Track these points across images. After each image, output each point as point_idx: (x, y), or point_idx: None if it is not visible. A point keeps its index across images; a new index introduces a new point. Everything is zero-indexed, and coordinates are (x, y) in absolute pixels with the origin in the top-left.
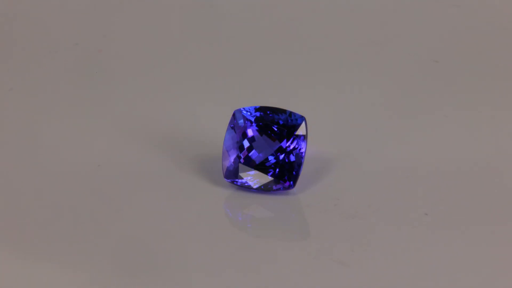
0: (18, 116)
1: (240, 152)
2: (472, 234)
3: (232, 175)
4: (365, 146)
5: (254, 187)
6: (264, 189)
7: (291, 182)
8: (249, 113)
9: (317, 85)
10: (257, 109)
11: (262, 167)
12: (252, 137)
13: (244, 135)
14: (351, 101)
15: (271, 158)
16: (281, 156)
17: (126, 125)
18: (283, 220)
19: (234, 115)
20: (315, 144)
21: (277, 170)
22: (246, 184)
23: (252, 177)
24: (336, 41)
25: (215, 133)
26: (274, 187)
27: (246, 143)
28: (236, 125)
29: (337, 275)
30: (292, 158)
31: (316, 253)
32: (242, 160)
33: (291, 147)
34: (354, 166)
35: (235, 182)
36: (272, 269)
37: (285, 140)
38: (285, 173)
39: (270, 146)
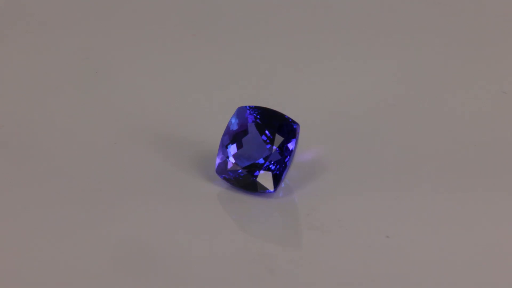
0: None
1: (235, 149)
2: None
3: (223, 171)
4: (362, 154)
5: (240, 185)
6: (248, 189)
7: (274, 189)
8: (250, 113)
9: (316, 89)
10: (259, 109)
11: (250, 167)
12: (249, 136)
13: (241, 134)
14: (351, 105)
15: (260, 160)
16: (270, 160)
17: (125, 124)
18: (248, 222)
19: (236, 112)
20: (311, 148)
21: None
22: (233, 182)
23: (240, 176)
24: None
25: (216, 130)
26: (254, 191)
27: (241, 142)
28: (235, 123)
29: (259, 282)
30: (279, 163)
31: (255, 257)
32: (233, 158)
33: (281, 152)
34: (345, 175)
35: (225, 178)
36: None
37: (277, 145)
38: (271, 178)
39: (263, 148)
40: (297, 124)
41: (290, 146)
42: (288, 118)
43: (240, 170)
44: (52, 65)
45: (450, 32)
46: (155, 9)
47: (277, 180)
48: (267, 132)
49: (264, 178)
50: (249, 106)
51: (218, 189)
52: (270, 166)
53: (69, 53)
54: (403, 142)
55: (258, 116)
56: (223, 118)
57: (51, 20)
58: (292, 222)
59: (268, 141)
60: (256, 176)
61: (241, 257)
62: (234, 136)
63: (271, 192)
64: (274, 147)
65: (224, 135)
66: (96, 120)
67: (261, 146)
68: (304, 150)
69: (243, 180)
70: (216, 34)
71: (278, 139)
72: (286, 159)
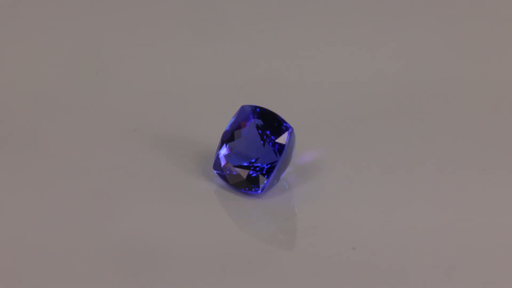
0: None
1: (232, 147)
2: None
3: (218, 166)
4: (361, 157)
5: (232, 183)
6: (238, 187)
7: (258, 189)
8: (252, 112)
9: (317, 89)
10: (260, 109)
11: (242, 166)
12: (247, 135)
13: (240, 132)
14: (349, 108)
15: (253, 160)
16: (261, 161)
17: (125, 124)
18: (224, 221)
19: (239, 110)
20: (310, 151)
21: (254, 173)
22: (225, 177)
23: (232, 173)
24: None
25: (217, 130)
26: (243, 190)
27: (239, 140)
28: (237, 121)
29: (211, 279)
30: (270, 165)
31: (214, 256)
32: (228, 155)
33: (274, 154)
34: (335, 180)
35: (219, 174)
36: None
37: (271, 148)
38: (258, 179)
39: (258, 148)
40: (291, 127)
41: (283, 148)
42: (283, 121)
43: (233, 168)
44: (52, 65)
45: (451, 28)
46: (156, 8)
47: (266, 181)
48: (265, 132)
49: (254, 178)
50: (252, 106)
51: (213, 188)
52: (261, 166)
53: (69, 53)
54: (404, 143)
55: (258, 117)
56: (224, 118)
57: (51, 19)
58: (265, 225)
59: (263, 142)
60: (246, 176)
61: (200, 257)
62: (233, 133)
63: (258, 192)
64: (267, 149)
65: (224, 132)
66: (96, 120)
67: (257, 146)
68: (303, 152)
69: (234, 178)
70: (217, 34)
71: (273, 140)
72: (277, 161)
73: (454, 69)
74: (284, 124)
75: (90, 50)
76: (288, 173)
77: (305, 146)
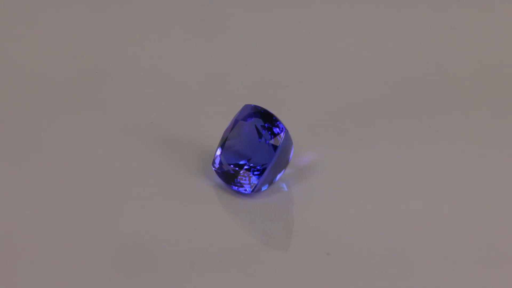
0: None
1: (230, 145)
2: None
3: (216, 164)
4: (360, 160)
5: (227, 182)
6: (230, 185)
7: (249, 189)
8: (253, 112)
9: (318, 91)
10: (260, 110)
11: (238, 164)
12: (244, 135)
13: (239, 131)
14: (347, 109)
15: (248, 159)
16: (255, 161)
17: (125, 124)
18: (218, 220)
19: (241, 109)
20: (307, 151)
21: (246, 173)
22: (221, 175)
23: (229, 172)
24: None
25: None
26: (236, 188)
27: (237, 139)
28: (237, 120)
29: (177, 275)
30: (264, 166)
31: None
32: (225, 154)
33: (269, 155)
34: (325, 183)
35: (216, 172)
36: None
37: (265, 148)
38: (250, 179)
39: (255, 148)
40: (285, 128)
41: (277, 149)
42: (279, 122)
43: (231, 166)
44: (53, 65)
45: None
46: (157, 8)
47: (257, 181)
48: (262, 133)
49: (246, 177)
50: (254, 106)
51: (212, 187)
52: (254, 166)
53: (69, 53)
54: (404, 144)
55: (257, 116)
56: (225, 118)
57: (51, 19)
58: (248, 226)
59: (260, 141)
60: (239, 174)
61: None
62: (232, 132)
63: (248, 192)
64: (262, 149)
65: (225, 130)
66: (96, 120)
67: (253, 145)
68: (302, 153)
69: (228, 176)
70: (217, 33)
71: (267, 141)
72: (269, 163)
73: (453, 69)
74: (280, 126)
75: (90, 50)
76: (287, 174)
77: (305, 147)
